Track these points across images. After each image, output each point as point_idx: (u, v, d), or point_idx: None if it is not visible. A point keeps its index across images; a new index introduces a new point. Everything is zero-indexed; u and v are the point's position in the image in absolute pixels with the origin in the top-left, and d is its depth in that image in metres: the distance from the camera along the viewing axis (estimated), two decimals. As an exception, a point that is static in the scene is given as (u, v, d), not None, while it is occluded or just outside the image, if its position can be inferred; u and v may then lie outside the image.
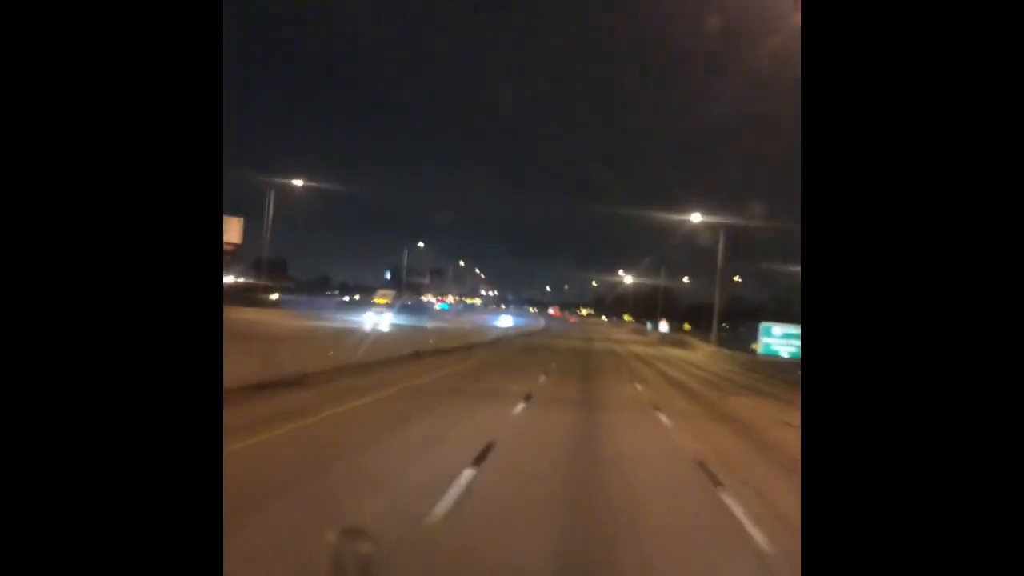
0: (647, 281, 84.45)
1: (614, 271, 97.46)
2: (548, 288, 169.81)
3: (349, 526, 2.17)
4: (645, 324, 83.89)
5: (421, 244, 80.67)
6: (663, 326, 70.03)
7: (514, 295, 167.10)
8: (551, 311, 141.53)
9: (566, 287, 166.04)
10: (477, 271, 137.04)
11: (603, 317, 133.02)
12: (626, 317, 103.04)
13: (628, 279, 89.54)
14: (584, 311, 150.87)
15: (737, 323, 62.16)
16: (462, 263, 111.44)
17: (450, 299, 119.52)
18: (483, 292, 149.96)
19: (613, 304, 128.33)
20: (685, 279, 76.17)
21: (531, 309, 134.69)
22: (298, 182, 38.33)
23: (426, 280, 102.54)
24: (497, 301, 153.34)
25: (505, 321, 60.07)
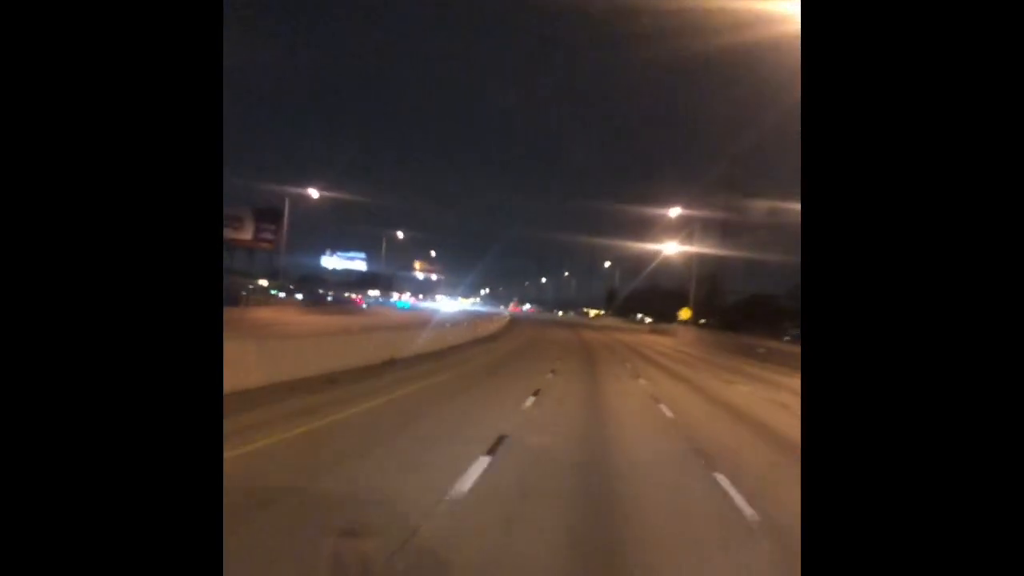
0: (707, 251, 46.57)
1: (642, 236, 55.56)
2: (544, 280, 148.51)
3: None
4: (786, 333, 39.67)
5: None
6: None
7: (504, 292, 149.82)
8: (511, 307, 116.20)
9: (566, 274, 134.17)
10: (400, 235, 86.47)
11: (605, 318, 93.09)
12: (682, 314, 49.37)
13: (669, 247, 48.72)
14: (592, 312, 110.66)
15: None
16: (315, 192, 46.15)
17: (405, 296, 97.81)
18: (423, 274, 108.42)
19: (629, 301, 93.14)
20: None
21: (516, 305, 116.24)
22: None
23: (247, 235, 53.83)
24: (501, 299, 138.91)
25: None
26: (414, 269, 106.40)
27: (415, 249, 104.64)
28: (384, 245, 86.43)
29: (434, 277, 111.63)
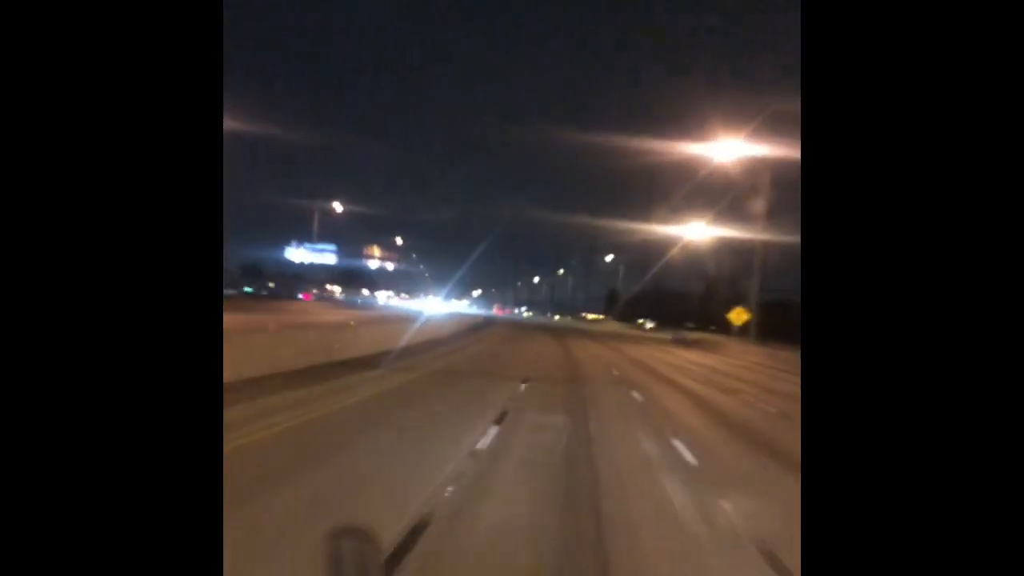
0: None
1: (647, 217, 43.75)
2: (537, 280, 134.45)
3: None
4: None
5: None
6: None
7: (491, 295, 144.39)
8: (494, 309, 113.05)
9: (560, 272, 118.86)
10: (338, 206, 65.91)
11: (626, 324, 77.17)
12: (735, 317, 35.11)
13: (695, 229, 38.55)
14: (590, 316, 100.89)
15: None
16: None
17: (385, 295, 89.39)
18: (379, 262, 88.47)
19: (629, 304, 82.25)
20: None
21: (501, 308, 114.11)
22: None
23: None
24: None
25: None
26: (371, 256, 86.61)
27: (380, 233, 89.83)
28: (316, 219, 67.55)
29: (390, 266, 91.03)
